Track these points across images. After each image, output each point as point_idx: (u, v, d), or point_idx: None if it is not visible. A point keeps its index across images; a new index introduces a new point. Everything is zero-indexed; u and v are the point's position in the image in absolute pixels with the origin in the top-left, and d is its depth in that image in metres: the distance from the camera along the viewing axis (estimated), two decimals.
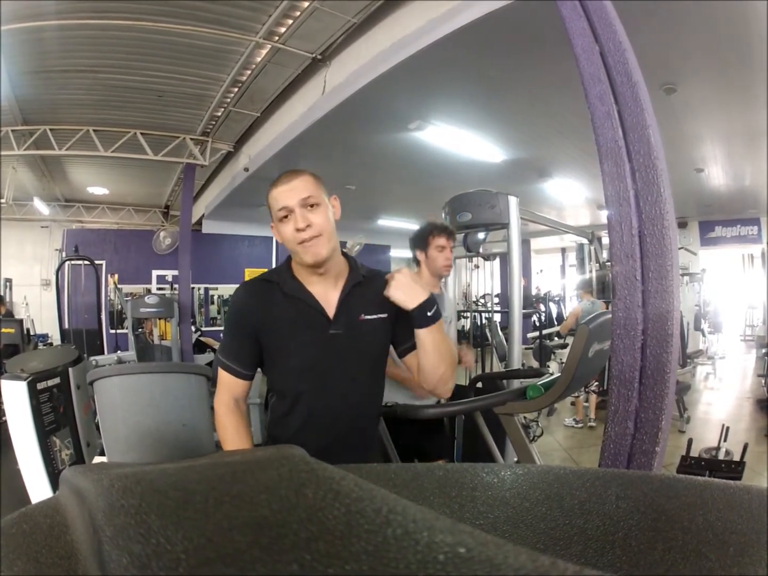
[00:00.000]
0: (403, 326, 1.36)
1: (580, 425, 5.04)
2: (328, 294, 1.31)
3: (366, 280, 1.35)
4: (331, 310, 1.29)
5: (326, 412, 1.31)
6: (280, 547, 0.23)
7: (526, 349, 5.99)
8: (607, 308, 4.95)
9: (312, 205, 1.23)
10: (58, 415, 1.53)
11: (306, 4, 3.65)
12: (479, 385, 2.69)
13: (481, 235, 3.44)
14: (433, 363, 1.32)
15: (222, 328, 9.32)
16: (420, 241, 2.35)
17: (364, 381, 1.36)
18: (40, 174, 8.01)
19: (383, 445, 1.81)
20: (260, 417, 3.92)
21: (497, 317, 5.82)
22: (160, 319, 6.69)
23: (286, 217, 1.24)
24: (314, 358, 1.29)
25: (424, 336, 1.30)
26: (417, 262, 2.41)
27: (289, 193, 1.23)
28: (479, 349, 5.21)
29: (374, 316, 1.33)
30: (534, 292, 12.68)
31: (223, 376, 1.33)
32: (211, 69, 4.74)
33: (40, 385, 1.48)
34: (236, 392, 1.33)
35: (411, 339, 1.36)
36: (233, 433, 1.29)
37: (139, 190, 9.41)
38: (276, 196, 1.25)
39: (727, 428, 3.34)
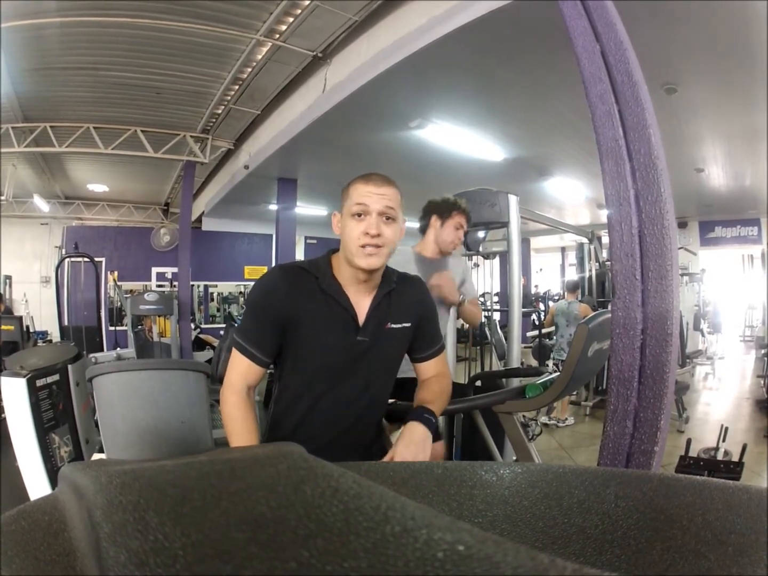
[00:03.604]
0: (423, 337, 1.41)
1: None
2: (361, 299, 1.29)
3: (397, 287, 1.35)
4: (361, 316, 1.28)
5: (333, 411, 1.31)
6: (278, 544, 0.23)
7: (525, 347, 5.99)
8: (588, 310, 4.98)
9: (389, 218, 1.22)
10: (57, 412, 1.53)
11: (307, 2, 3.64)
12: (478, 383, 2.69)
13: (481, 234, 3.43)
14: None
15: (222, 325, 9.33)
16: (442, 209, 2.32)
17: (376, 385, 1.36)
18: (40, 171, 8.00)
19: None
20: (260, 414, 3.91)
21: (497, 316, 5.81)
22: (159, 316, 6.71)
23: (360, 215, 1.20)
24: (336, 362, 1.28)
25: None
26: (425, 228, 2.36)
27: (376, 197, 1.20)
28: (479, 347, 5.21)
29: (399, 326, 1.33)
30: (533, 290, 12.68)
31: (239, 361, 1.26)
32: (211, 66, 4.74)
33: (40, 382, 1.48)
34: (250, 379, 1.27)
35: (427, 350, 1.43)
36: (241, 426, 1.23)
37: (139, 187, 9.41)
38: (362, 192, 1.21)
39: (726, 429, 3.32)
